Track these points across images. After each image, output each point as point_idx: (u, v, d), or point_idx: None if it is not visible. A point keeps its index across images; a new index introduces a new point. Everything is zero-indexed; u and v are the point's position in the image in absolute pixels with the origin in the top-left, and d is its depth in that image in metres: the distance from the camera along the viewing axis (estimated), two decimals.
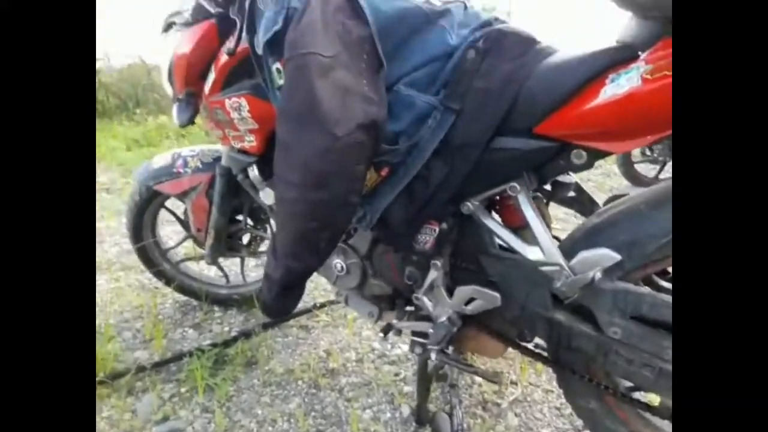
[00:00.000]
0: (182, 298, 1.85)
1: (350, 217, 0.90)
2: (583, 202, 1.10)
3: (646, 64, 0.74)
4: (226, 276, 1.80)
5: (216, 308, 1.82)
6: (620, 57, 0.79)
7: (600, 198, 1.08)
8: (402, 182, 0.93)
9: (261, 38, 0.90)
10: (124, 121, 4.88)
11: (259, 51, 0.91)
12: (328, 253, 0.95)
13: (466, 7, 0.97)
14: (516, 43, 0.90)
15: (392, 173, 0.94)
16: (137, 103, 5.15)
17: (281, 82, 0.89)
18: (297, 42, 0.82)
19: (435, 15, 0.91)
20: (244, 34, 0.97)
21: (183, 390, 1.42)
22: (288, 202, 0.87)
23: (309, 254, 0.92)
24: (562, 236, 0.98)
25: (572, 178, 1.06)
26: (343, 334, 1.69)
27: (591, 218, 0.92)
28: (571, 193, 1.08)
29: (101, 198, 3.03)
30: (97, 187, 3.20)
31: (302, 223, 0.87)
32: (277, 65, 0.90)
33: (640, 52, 0.77)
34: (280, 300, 1.01)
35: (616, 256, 0.84)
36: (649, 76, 0.73)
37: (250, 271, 1.98)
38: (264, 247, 1.66)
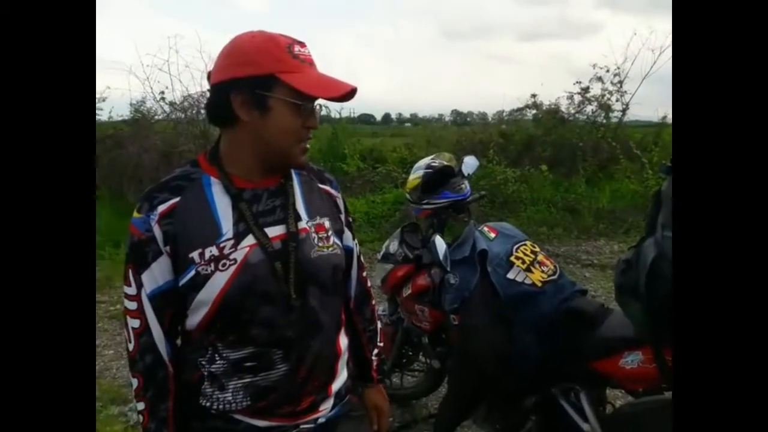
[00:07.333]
0: None
1: None
2: None
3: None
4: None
5: None
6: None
7: None
8: None
9: (447, 306, 1.86)
10: None
11: (446, 307, 1.86)
12: None
13: (561, 276, 1.82)
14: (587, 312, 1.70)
15: None
16: None
17: (455, 323, 1.87)
18: (467, 315, 1.82)
19: (536, 292, 1.75)
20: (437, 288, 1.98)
21: None
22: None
23: None
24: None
25: None
26: None
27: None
28: None
29: None
30: None
31: None
32: (453, 316, 1.87)
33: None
34: None
35: None
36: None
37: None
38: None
